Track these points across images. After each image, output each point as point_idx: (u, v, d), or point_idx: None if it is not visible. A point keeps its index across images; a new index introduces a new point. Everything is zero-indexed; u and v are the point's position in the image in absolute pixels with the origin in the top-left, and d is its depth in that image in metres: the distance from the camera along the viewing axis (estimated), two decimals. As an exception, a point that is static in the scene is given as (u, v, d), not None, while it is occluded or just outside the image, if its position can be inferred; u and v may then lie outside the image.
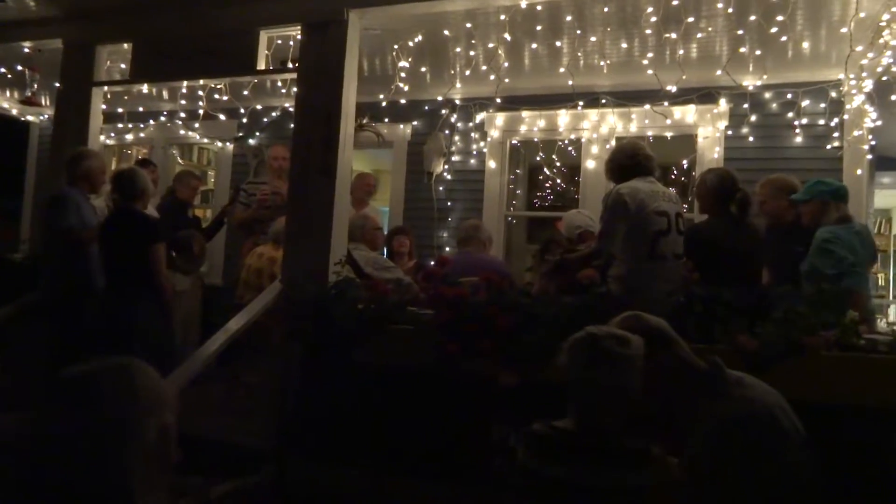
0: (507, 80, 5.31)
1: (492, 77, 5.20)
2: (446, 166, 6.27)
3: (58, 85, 4.96)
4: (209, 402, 4.55)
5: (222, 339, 3.74)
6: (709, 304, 3.06)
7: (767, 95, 5.35)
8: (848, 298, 2.97)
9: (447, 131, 6.26)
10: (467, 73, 5.47)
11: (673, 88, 5.01)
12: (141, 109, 6.91)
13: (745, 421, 1.87)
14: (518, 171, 6.83)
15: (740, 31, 4.53)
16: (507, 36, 4.47)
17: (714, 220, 3.66)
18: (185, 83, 5.47)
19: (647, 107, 5.48)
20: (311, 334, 3.59)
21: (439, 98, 6.04)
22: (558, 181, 6.94)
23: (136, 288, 4.05)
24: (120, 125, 6.86)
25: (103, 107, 5.04)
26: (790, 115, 5.30)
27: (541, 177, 7.15)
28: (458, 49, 5.14)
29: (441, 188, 6.29)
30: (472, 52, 5.16)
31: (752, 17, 4.30)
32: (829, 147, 5.19)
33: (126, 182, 4.23)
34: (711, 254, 3.42)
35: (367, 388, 3.50)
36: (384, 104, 5.87)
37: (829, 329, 2.88)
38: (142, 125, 7.16)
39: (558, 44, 4.91)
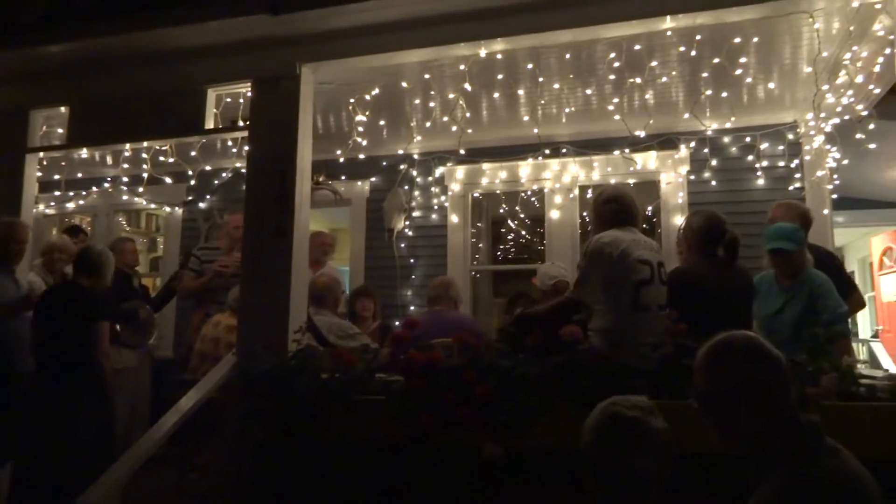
0: (468, 131, 5.21)
1: (453, 129, 5.10)
2: (407, 222, 6.10)
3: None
4: (159, 488, 4.17)
5: (173, 419, 3.39)
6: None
7: (726, 139, 5.38)
8: (844, 343, 2.82)
9: (407, 186, 6.12)
10: (427, 125, 5.36)
11: (641, 133, 4.99)
12: (80, 175, 6.60)
13: (836, 496, 1.59)
14: (480, 224, 6.69)
15: (702, 75, 4.54)
16: (466, 86, 4.36)
17: (700, 262, 3.52)
18: (127, 146, 5.19)
19: (616, 153, 5.44)
20: (269, 412, 3.26)
21: (399, 152, 5.91)
22: (522, 233, 6.82)
23: (72, 369, 3.67)
24: (58, 193, 6.50)
25: (39, 174, 4.71)
26: (750, 157, 5.34)
27: (504, 229, 7.03)
28: (416, 101, 5.03)
29: (403, 245, 6.10)
30: (430, 104, 5.06)
31: (709, 64, 4.33)
32: (791, 188, 5.20)
33: (82, 257, 3.98)
34: (698, 299, 3.25)
35: (332, 469, 3.17)
36: (342, 161, 5.70)
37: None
38: (84, 192, 6.81)
39: (519, 92, 4.85)
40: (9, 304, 3.85)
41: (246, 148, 4.12)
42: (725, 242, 3.47)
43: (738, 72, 4.35)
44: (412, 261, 6.07)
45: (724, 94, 4.78)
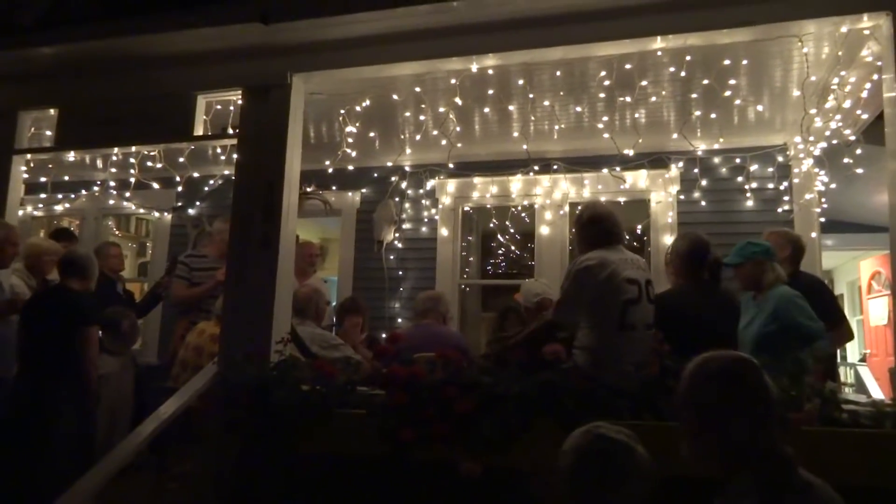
0: (459, 145, 5.21)
1: (443, 142, 5.10)
2: (397, 234, 6.08)
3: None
4: (137, 497, 4.10)
5: (152, 426, 3.35)
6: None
7: (717, 160, 5.40)
8: (828, 364, 2.80)
9: (397, 198, 6.10)
10: (417, 137, 5.35)
11: (630, 152, 4.99)
12: (68, 178, 6.53)
13: None
14: (470, 238, 6.68)
15: (692, 96, 4.56)
16: (457, 100, 4.36)
17: (684, 286, 3.51)
18: (116, 151, 5.15)
19: (605, 171, 5.44)
20: (248, 422, 3.22)
21: (389, 164, 5.90)
22: (512, 248, 6.80)
23: (56, 373, 3.63)
24: (45, 196, 6.45)
25: (25, 175, 4.67)
26: (740, 179, 5.35)
27: (493, 244, 7.01)
28: (407, 114, 5.03)
29: (392, 257, 6.07)
30: (421, 117, 5.05)
31: (701, 84, 4.33)
32: (779, 210, 5.21)
33: (70, 261, 3.94)
34: (682, 322, 3.24)
35: (312, 482, 3.14)
36: (332, 171, 5.68)
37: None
38: (72, 195, 6.76)
39: (511, 107, 4.85)
40: None
41: (235, 156, 4.11)
42: (709, 264, 3.47)
43: (728, 93, 4.37)
44: (401, 273, 6.05)
45: (714, 115, 4.80)
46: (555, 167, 5.64)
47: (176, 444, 4.22)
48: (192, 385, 3.54)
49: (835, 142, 4.69)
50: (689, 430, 1.66)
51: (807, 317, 3.22)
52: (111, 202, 6.62)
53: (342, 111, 4.90)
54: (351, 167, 5.80)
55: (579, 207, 5.40)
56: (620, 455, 1.64)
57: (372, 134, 5.32)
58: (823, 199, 5.16)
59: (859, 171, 4.67)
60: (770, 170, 5.30)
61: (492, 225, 6.20)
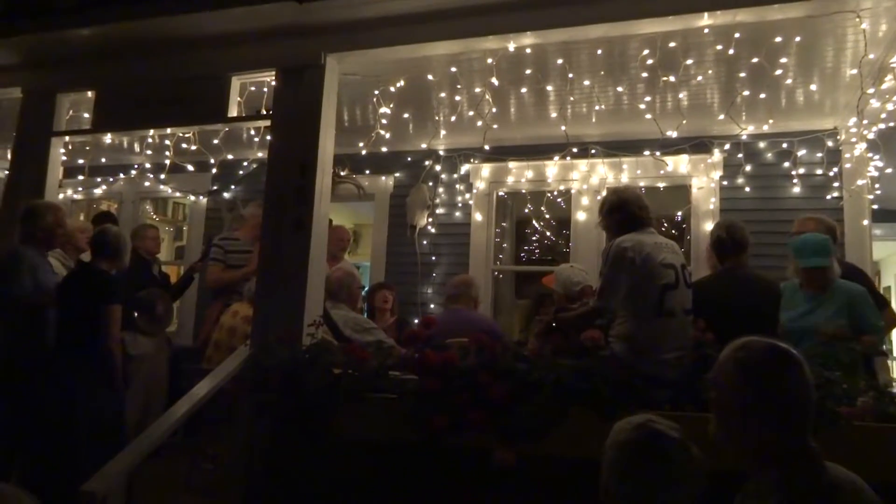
0: (495, 127, 5.10)
1: (479, 123, 4.99)
2: (430, 219, 6.01)
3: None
4: (171, 478, 4.15)
5: (185, 408, 3.34)
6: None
7: (762, 145, 5.21)
8: (882, 361, 2.66)
9: (431, 183, 6.03)
10: (452, 119, 5.26)
11: (673, 134, 4.83)
12: (104, 161, 6.62)
13: None
14: (505, 223, 6.58)
15: (739, 75, 4.38)
16: (493, 80, 4.26)
17: (723, 273, 3.38)
18: (151, 133, 5.18)
19: (647, 153, 5.28)
20: (280, 405, 3.20)
21: (423, 146, 5.83)
22: (547, 234, 6.68)
23: (83, 353, 3.65)
24: (82, 178, 6.55)
25: (64, 158, 4.72)
26: (786, 164, 5.15)
27: (528, 229, 6.90)
28: (442, 94, 4.94)
29: (425, 242, 6.01)
30: (457, 98, 4.96)
31: (749, 63, 4.15)
32: (828, 197, 5.01)
33: (97, 240, 3.94)
34: (723, 310, 3.12)
35: (342, 465, 3.11)
36: (365, 154, 5.63)
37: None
38: (111, 179, 6.85)
39: (548, 88, 4.72)
40: (50, 293, 3.84)
41: (268, 138, 4.08)
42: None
43: (778, 72, 4.18)
44: (434, 258, 5.99)
45: (762, 96, 4.60)
46: (592, 151, 5.50)
47: (209, 426, 4.26)
48: (225, 367, 3.54)
49: (891, 124, 4.46)
50: (717, 416, 1.57)
51: (877, 316, 3.12)
52: (147, 185, 6.69)
53: (376, 92, 4.83)
54: (385, 149, 5.74)
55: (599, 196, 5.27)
56: (677, 454, 1.54)
57: (406, 115, 5.26)
58: (876, 185, 4.93)
59: (916, 154, 4.46)
60: (819, 155, 5.08)
61: (526, 210, 6.09)
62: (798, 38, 3.89)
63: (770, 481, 1.49)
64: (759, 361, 1.53)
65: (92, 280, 3.82)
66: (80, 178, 6.51)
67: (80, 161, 6.04)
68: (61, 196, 5.13)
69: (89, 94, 4.53)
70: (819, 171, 5.09)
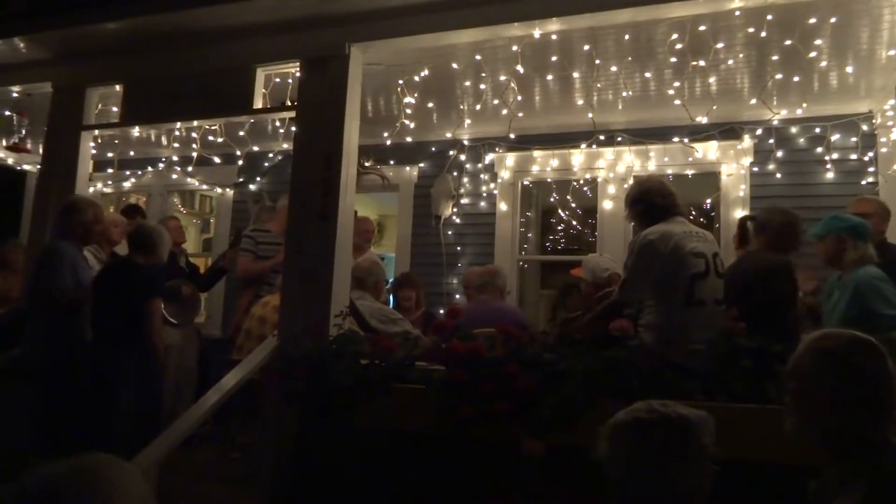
0: (519, 115, 5.05)
1: (504, 112, 4.95)
2: (455, 209, 5.99)
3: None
4: (201, 466, 4.20)
5: (215, 398, 3.39)
6: (759, 358, 2.68)
7: (794, 130, 5.09)
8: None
9: (455, 173, 6.00)
10: (476, 108, 5.22)
11: (703, 120, 4.74)
12: (132, 154, 6.68)
13: None
14: (530, 213, 6.53)
15: (772, 58, 4.28)
16: (518, 68, 4.20)
17: (758, 257, 3.33)
18: (179, 125, 5.23)
19: (675, 140, 5.20)
20: (307, 396, 3.22)
21: (447, 136, 5.79)
22: (573, 223, 6.62)
23: (126, 347, 3.70)
24: (111, 171, 6.63)
25: (94, 152, 4.79)
26: (819, 149, 5.02)
27: (554, 219, 6.84)
28: (466, 83, 4.90)
29: (450, 232, 6.00)
30: (481, 86, 4.91)
31: (779, 47, 4.06)
32: (863, 183, 4.88)
33: (135, 235, 4.00)
34: (756, 298, 3.06)
35: (369, 454, 3.12)
36: (389, 145, 5.62)
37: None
38: (139, 172, 6.94)
39: (574, 75, 4.65)
40: (89, 288, 3.89)
41: (293, 129, 4.09)
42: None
43: (812, 55, 4.07)
44: (459, 248, 5.97)
45: (795, 80, 4.49)
46: (619, 139, 5.43)
47: (238, 416, 4.31)
48: (254, 358, 3.57)
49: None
50: (796, 409, 1.56)
51: (885, 303, 3.01)
52: (175, 177, 6.76)
53: (400, 82, 4.81)
54: (409, 139, 5.73)
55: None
56: (692, 433, 1.51)
57: (430, 105, 5.23)
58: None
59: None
60: (853, 139, 4.95)
61: (552, 199, 6.03)
62: (833, 20, 3.78)
63: (847, 472, 1.48)
64: (844, 350, 1.53)
65: (131, 275, 3.85)
66: (110, 171, 6.59)
67: (110, 154, 6.12)
68: (91, 190, 5.19)
69: (117, 87, 4.58)
70: (853, 156, 4.96)
